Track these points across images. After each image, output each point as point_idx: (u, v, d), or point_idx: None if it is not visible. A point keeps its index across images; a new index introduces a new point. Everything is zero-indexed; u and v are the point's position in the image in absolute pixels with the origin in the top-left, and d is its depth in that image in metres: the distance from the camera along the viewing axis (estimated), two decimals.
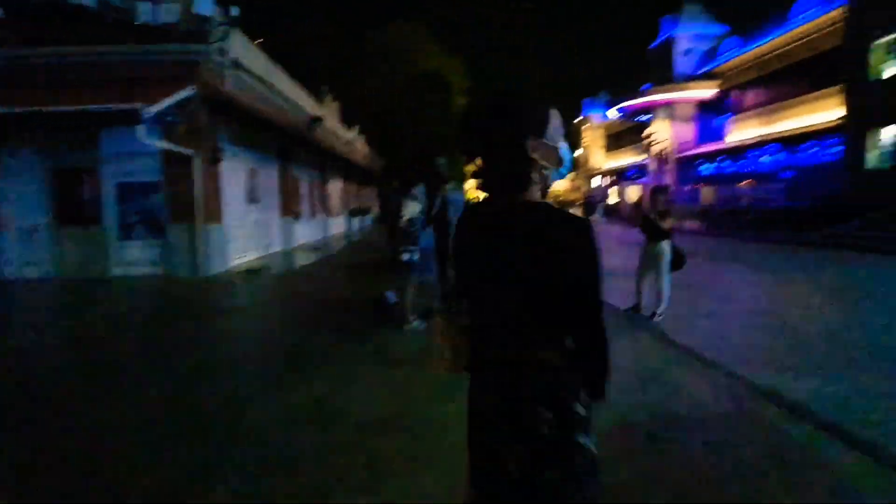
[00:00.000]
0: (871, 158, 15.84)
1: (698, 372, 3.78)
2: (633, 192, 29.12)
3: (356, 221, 23.25)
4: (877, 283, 8.26)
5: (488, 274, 1.09)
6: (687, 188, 26.16)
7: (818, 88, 19.08)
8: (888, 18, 14.86)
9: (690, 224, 21.20)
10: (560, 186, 57.36)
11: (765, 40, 22.00)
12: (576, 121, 45.82)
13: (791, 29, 20.39)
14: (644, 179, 30.65)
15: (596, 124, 42.83)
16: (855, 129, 16.24)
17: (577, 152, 45.01)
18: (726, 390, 3.37)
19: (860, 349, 4.52)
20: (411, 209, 5.04)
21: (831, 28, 18.24)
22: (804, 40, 19.95)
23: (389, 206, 8.93)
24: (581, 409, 1.04)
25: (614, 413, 2.82)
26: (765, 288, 8.15)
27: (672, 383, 3.53)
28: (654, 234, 5.53)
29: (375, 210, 28.58)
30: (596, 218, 30.19)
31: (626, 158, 36.77)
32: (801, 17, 19.91)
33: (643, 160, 31.46)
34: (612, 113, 29.77)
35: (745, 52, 23.46)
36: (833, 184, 17.43)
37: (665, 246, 5.46)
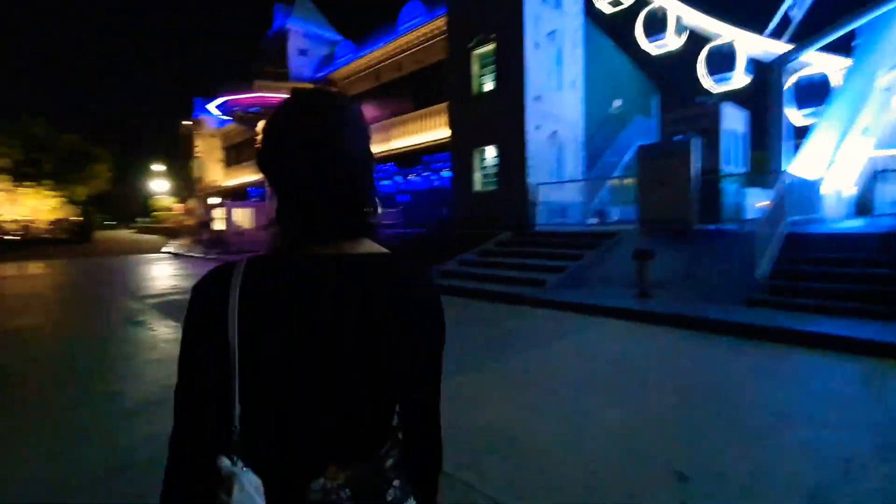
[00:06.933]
0: (477, 180, 14.48)
1: None
2: (244, 216, 22.38)
3: None
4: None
5: (304, 359, 0.68)
6: None
7: (430, 104, 17.47)
8: (482, 28, 13.61)
9: None
10: (175, 209, 45.45)
11: (375, 48, 19.67)
12: (185, 123, 35.97)
13: (398, 38, 18.49)
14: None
15: (212, 130, 34.18)
16: (460, 149, 14.64)
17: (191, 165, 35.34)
18: None
19: None
20: None
21: (434, 39, 16.80)
22: (411, 51, 18.27)
23: None
24: None
25: None
26: None
27: None
28: None
29: None
30: (198, 249, 21.86)
31: (247, 175, 29.94)
32: (406, 25, 18.18)
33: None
34: (214, 110, 22.41)
35: (357, 59, 20.74)
36: (444, 209, 15.68)
37: None
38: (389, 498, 0.72)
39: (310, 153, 0.69)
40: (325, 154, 0.69)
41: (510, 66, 12.94)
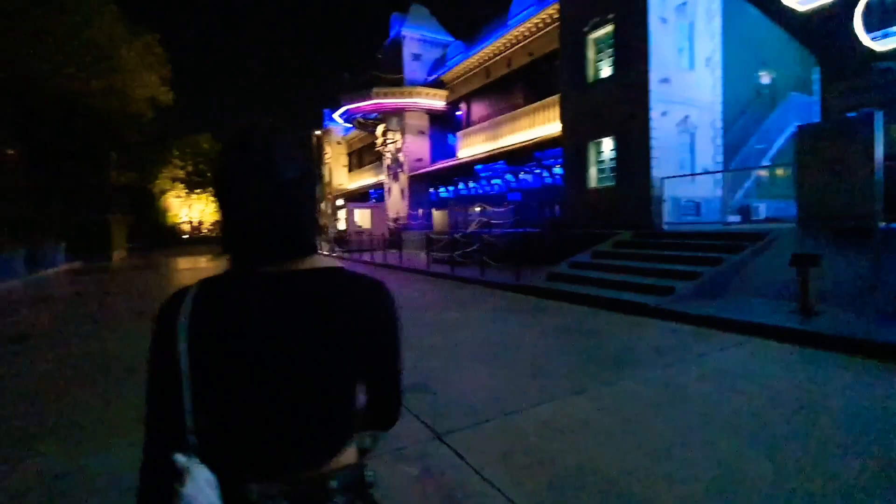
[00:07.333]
0: (593, 176, 13.40)
1: None
2: (364, 217, 23.82)
3: None
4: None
5: (266, 370, 0.73)
6: (420, 212, 22.07)
7: (541, 97, 16.73)
8: (598, 8, 12.52)
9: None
10: None
11: (486, 44, 19.40)
12: (318, 132, 39.55)
13: (509, 31, 17.98)
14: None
15: (338, 138, 37.18)
16: (573, 142, 13.67)
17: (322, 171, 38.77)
18: None
19: None
20: None
21: (547, 29, 16.01)
22: (522, 44, 17.67)
23: None
24: None
25: None
26: None
27: None
28: None
29: None
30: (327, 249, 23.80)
31: (368, 178, 32.03)
32: (517, 18, 17.60)
33: (383, 179, 26.82)
34: (338, 119, 24.21)
35: (468, 58, 20.69)
36: (556, 208, 14.82)
37: None
38: None
39: (248, 183, 0.73)
40: (262, 183, 0.73)
41: (631, 48, 11.69)
